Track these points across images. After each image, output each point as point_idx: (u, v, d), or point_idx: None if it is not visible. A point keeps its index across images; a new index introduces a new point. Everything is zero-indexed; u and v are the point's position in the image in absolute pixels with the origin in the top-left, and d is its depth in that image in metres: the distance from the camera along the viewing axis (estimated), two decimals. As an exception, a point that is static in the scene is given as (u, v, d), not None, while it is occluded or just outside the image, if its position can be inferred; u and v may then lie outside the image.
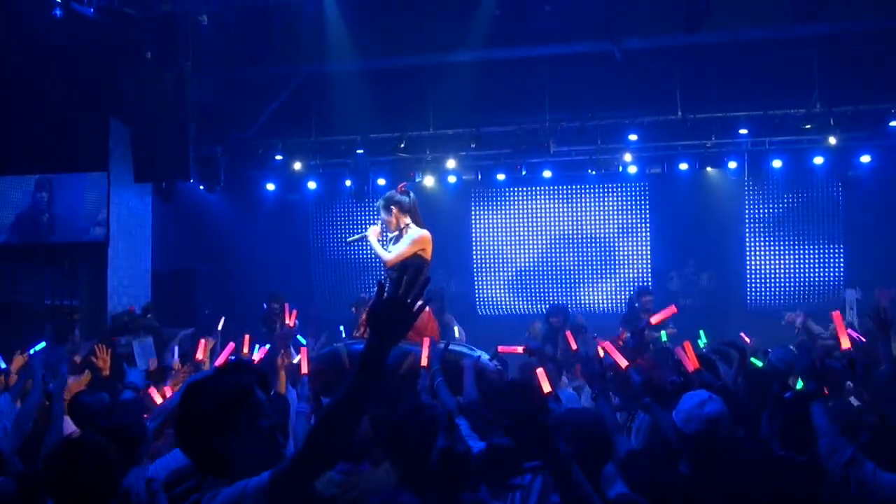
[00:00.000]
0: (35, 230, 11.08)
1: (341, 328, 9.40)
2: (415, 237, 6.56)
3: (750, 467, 3.66)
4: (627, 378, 4.77)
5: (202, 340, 5.71)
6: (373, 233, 6.71)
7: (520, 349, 5.77)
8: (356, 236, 6.85)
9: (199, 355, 5.20)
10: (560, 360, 8.47)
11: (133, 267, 11.25)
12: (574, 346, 5.93)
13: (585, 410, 4.32)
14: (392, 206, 6.66)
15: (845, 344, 4.10)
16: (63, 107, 10.43)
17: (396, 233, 6.70)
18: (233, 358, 5.48)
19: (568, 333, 6.15)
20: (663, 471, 3.81)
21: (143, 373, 5.11)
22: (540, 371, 4.19)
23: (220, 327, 8.04)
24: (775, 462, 3.82)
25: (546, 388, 4.11)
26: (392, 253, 6.55)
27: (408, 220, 6.68)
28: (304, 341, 7.54)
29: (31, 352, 6.27)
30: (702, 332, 7.36)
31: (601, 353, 5.16)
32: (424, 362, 5.37)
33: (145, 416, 4.64)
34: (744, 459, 3.69)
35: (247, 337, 6.66)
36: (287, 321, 7.47)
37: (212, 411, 2.37)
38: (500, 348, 5.92)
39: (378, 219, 6.78)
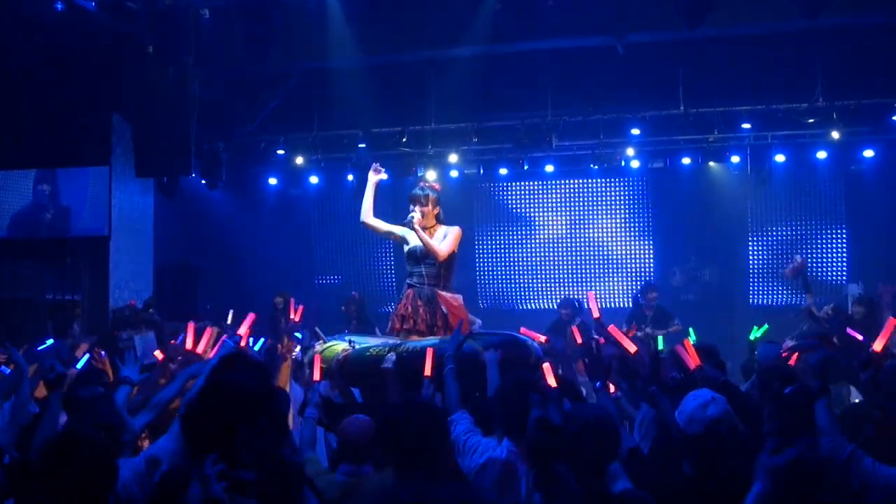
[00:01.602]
0: (37, 225, 11.08)
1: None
2: (455, 233, 6.64)
3: (751, 465, 3.65)
4: (633, 367, 4.76)
5: (208, 329, 5.68)
6: (419, 224, 6.62)
7: (542, 338, 5.72)
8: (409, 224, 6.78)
9: (201, 346, 5.17)
10: (562, 356, 8.49)
11: (135, 262, 11.25)
12: (579, 341, 5.90)
13: (592, 406, 4.29)
14: (439, 205, 6.71)
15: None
16: (65, 101, 10.43)
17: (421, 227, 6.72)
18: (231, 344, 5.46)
19: (574, 329, 6.15)
20: (666, 471, 3.80)
21: (137, 367, 5.07)
22: (546, 366, 4.15)
23: (229, 320, 8.02)
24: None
25: (551, 382, 4.06)
26: (443, 248, 6.55)
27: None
28: (299, 335, 7.51)
29: (39, 349, 6.26)
30: (691, 331, 7.35)
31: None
32: (428, 371, 5.36)
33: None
34: (746, 457, 3.68)
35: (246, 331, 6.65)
36: (292, 316, 7.47)
37: (237, 409, 2.32)
38: (522, 330, 5.88)
39: (414, 210, 6.69)
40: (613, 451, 3.57)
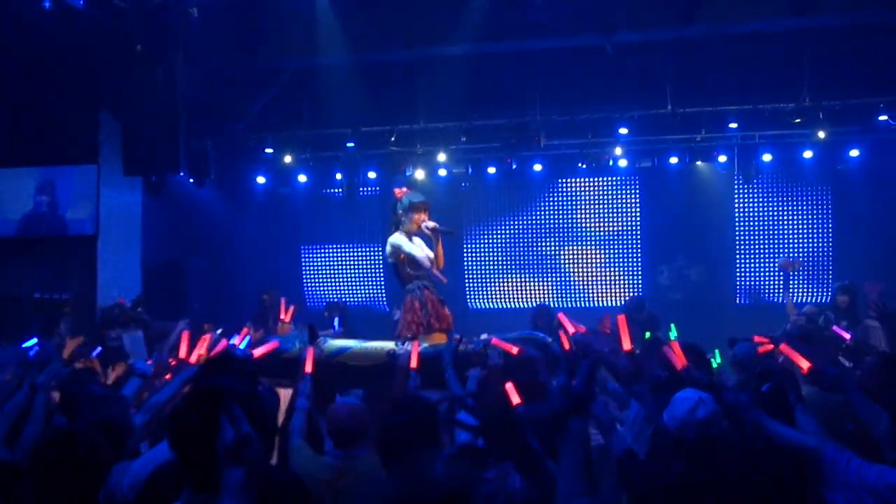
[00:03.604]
0: (25, 223, 11.05)
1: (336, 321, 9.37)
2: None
3: (742, 462, 3.68)
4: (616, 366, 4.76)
5: (205, 336, 5.66)
6: None
7: (515, 350, 5.74)
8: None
9: (195, 354, 5.15)
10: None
11: (123, 260, 11.22)
12: (567, 346, 5.91)
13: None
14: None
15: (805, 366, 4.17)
16: (52, 100, 10.39)
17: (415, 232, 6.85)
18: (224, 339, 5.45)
19: (562, 333, 6.16)
20: (660, 472, 3.81)
21: (149, 364, 5.08)
22: (509, 386, 4.17)
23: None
24: (764, 455, 3.84)
25: (515, 400, 4.09)
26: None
27: None
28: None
29: (22, 347, 6.23)
30: (672, 326, 7.38)
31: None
32: (414, 364, 5.40)
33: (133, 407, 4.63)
34: (735, 455, 3.70)
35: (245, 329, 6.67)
36: (282, 317, 7.47)
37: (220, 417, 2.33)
38: (494, 341, 5.91)
39: (423, 217, 6.82)
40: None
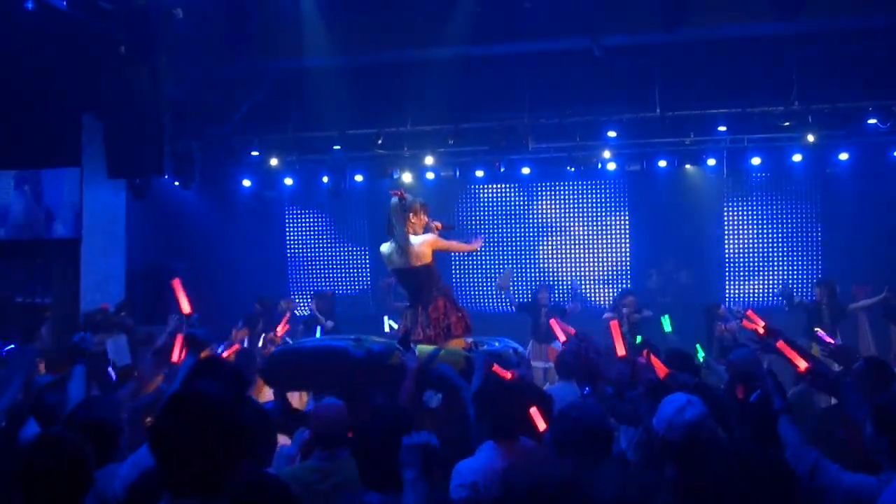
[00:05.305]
0: (6, 226, 10.94)
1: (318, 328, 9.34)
2: None
3: (731, 466, 3.65)
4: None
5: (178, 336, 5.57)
6: None
7: (509, 375, 5.67)
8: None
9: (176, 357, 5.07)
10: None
11: (106, 264, 11.10)
12: (562, 338, 5.86)
13: (585, 405, 4.27)
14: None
15: (802, 365, 4.13)
16: (36, 102, 10.28)
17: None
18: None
19: (553, 323, 6.10)
20: (650, 473, 3.80)
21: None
22: (534, 410, 4.10)
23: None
24: (753, 459, 3.82)
25: (542, 426, 4.03)
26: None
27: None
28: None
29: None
30: (666, 318, 7.34)
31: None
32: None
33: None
34: (725, 459, 3.68)
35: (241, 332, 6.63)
36: (278, 329, 7.53)
37: (205, 430, 2.28)
38: (494, 368, 5.84)
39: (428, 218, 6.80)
40: (606, 448, 3.66)
